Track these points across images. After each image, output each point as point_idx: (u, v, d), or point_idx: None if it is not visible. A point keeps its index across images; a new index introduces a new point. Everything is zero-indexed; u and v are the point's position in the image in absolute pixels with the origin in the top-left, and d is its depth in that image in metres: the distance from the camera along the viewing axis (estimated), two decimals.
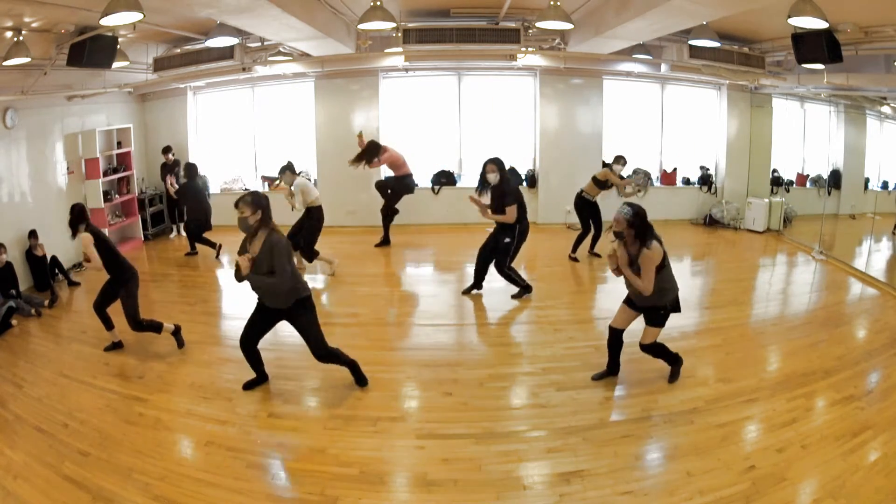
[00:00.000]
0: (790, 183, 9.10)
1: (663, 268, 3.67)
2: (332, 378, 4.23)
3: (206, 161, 9.12)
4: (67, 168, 7.17)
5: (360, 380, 4.12)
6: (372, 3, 4.80)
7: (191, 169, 7.51)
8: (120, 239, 8.12)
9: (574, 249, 7.13)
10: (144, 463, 3.26)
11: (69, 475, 3.16)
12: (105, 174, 7.58)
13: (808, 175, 9.00)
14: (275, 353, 4.75)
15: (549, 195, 8.85)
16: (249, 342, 3.97)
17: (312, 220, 6.54)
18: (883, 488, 2.94)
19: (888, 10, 4.81)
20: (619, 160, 6.98)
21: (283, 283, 3.64)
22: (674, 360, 4.07)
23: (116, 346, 4.82)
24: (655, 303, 3.76)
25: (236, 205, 3.69)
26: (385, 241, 7.87)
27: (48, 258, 6.41)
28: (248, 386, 4.10)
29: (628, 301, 3.95)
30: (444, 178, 8.96)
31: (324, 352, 3.94)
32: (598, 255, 7.11)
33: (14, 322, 5.40)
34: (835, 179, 8.28)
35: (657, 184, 9.15)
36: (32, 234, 6.35)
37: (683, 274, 6.78)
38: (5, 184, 6.26)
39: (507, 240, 5.56)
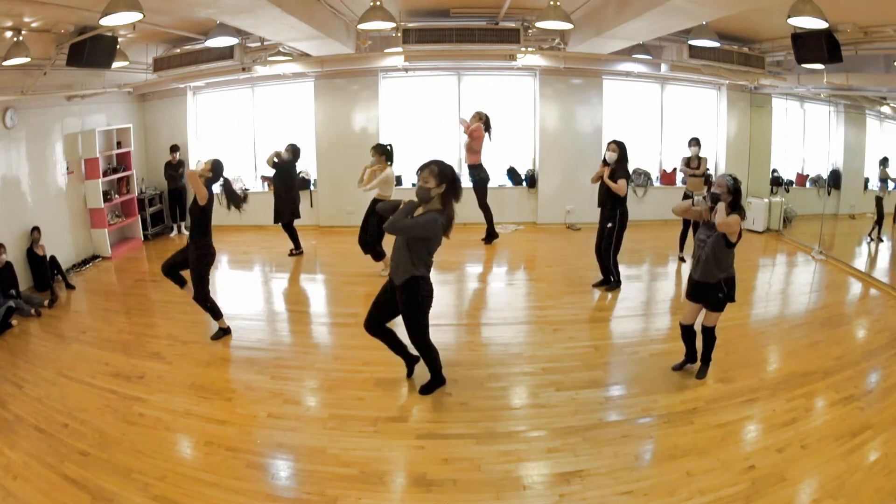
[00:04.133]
0: (790, 183, 9.10)
1: (734, 245, 3.88)
2: (331, 378, 4.23)
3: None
4: (67, 168, 7.17)
5: (433, 381, 4.04)
6: (372, 3, 4.80)
7: (295, 151, 7.20)
8: (119, 239, 8.13)
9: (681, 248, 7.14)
10: (144, 463, 3.26)
11: (69, 475, 3.16)
12: (105, 174, 7.57)
13: (807, 175, 9.00)
14: (274, 354, 4.76)
15: (549, 195, 8.84)
16: (372, 325, 3.94)
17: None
18: (883, 488, 2.95)
19: (888, 10, 4.81)
20: (693, 142, 6.91)
21: (413, 227, 3.51)
22: (708, 359, 4.16)
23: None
24: (710, 279, 3.91)
25: (421, 170, 3.53)
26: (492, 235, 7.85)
27: (47, 258, 6.41)
28: (409, 374, 4.17)
29: (689, 294, 4.10)
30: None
31: (420, 343, 3.89)
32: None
33: (14, 322, 5.39)
34: (834, 179, 8.28)
35: (657, 184, 9.15)
36: (35, 229, 6.37)
37: (683, 274, 6.79)
38: (5, 184, 6.25)
39: (609, 225, 5.71)
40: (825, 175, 8.48)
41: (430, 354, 3.97)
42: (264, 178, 9.11)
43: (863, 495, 2.90)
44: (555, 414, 3.73)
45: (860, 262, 7.29)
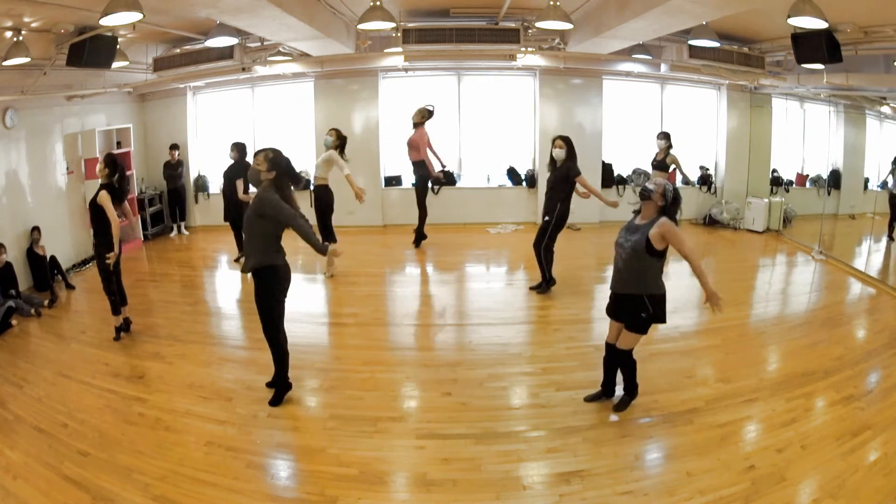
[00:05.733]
0: (790, 183, 9.10)
1: (662, 256, 3.36)
2: (331, 378, 4.23)
3: (205, 161, 9.12)
4: (67, 168, 7.17)
5: (278, 387, 3.91)
6: (371, 3, 4.81)
7: (240, 149, 6.90)
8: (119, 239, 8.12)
9: None
10: (144, 463, 3.27)
11: (69, 475, 3.16)
12: None
13: (807, 175, 9.00)
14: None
15: None
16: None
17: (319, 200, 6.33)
18: (883, 488, 2.95)
19: (888, 10, 4.82)
20: (663, 137, 7.03)
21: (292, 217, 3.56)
22: (632, 389, 3.75)
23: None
24: (629, 290, 3.45)
25: (256, 154, 3.63)
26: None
27: (48, 258, 6.41)
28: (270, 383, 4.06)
29: (608, 309, 3.70)
30: (444, 178, 8.96)
31: (270, 334, 3.79)
32: None
33: (14, 322, 5.39)
34: (834, 179, 8.28)
35: None
36: (36, 229, 6.38)
37: (683, 274, 6.78)
38: (5, 184, 6.25)
39: (547, 218, 5.61)
40: (825, 175, 8.48)
41: (278, 350, 3.82)
42: None
43: (863, 495, 2.90)
44: (555, 414, 3.73)
45: (860, 262, 7.28)
